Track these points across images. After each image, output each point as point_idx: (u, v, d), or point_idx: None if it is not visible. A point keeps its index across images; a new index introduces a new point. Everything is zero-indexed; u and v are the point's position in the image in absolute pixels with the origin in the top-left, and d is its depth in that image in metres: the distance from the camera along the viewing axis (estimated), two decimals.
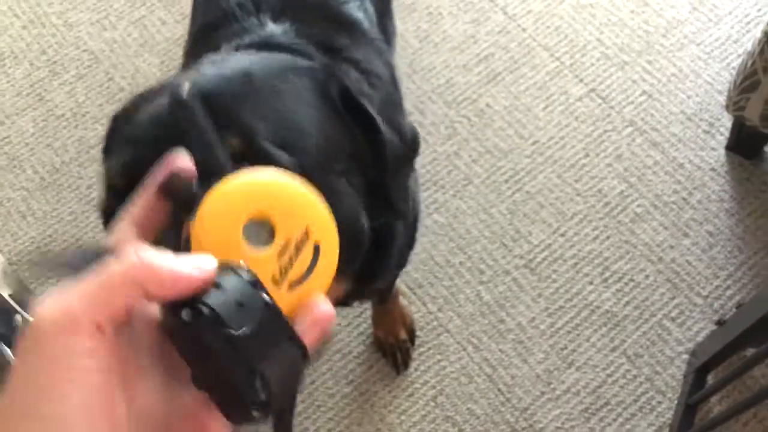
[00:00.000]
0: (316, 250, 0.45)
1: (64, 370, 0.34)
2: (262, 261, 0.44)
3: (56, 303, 0.35)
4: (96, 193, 1.50)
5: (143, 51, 1.65)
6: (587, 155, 1.48)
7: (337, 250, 0.46)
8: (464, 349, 1.33)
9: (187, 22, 1.67)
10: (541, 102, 1.53)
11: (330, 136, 0.67)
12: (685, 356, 1.30)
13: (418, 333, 1.34)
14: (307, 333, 0.42)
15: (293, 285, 0.44)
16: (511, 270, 1.39)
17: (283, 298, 0.44)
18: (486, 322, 1.35)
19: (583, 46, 1.59)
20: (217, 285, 0.39)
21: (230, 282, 0.40)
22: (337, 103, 0.68)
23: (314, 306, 0.43)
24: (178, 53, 1.64)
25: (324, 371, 1.32)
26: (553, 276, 1.38)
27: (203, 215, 0.44)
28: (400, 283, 1.36)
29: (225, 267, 0.41)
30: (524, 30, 1.61)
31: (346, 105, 0.69)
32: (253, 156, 0.58)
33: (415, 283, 1.38)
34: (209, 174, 0.45)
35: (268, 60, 0.71)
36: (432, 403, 1.29)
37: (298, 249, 0.45)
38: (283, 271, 0.44)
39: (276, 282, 0.44)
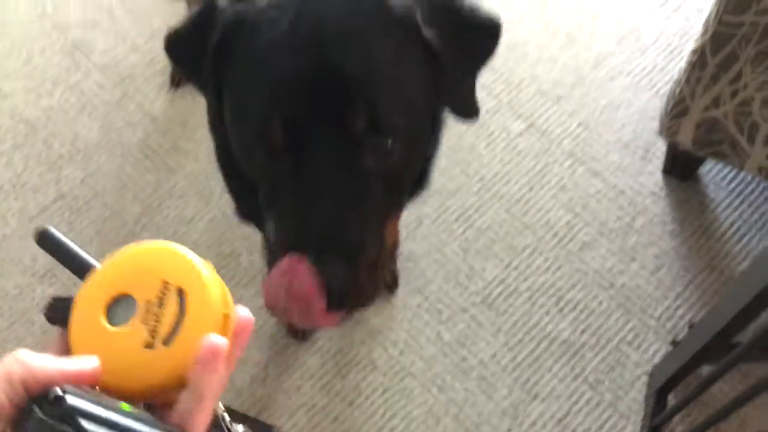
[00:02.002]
0: (181, 295, 0.46)
1: None
2: (128, 334, 0.45)
3: None
4: (40, 264, 1.46)
5: (82, 116, 1.63)
6: (532, 188, 1.51)
7: (209, 285, 0.47)
8: (429, 391, 1.32)
9: (125, 84, 1.66)
10: (483, 140, 1.57)
11: (424, 76, 0.74)
12: (645, 378, 1.32)
13: (381, 379, 1.33)
14: (203, 371, 0.43)
15: (169, 338, 0.45)
16: (469, 307, 1.40)
17: (162, 358, 0.45)
18: (448, 361, 1.35)
19: (519, 83, 1.64)
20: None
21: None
22: (420, 30, 0.73)
23: (201, 345, 0.44)
24: (118, 116, 1.63)
25: (289, 428, 1.30)
26: (510, 310, 1.39)
27: (71, 319, 0.47)
28: None
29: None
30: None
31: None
32: (376, 127, 0.69)
33: (374, 329, 1.38)
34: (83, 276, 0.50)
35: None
36: None
37: (161, 304, 0.46)
38: (153, 332, 0.45)
39: (150, 345, 0.45)
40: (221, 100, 0.77)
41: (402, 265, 1.43)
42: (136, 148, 1.59)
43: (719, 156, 1.31)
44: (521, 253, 1.45)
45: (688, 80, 1.23)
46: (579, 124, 1.58)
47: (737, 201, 1.47)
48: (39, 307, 1.42)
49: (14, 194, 1.54)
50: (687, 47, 1.56)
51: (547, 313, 1.39)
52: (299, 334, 1.37)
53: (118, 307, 0.46)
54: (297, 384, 1.34)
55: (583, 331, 1.37)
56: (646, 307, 1.39)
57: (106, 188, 1.54)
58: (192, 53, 0.78)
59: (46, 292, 1.43)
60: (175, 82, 1.65)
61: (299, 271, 0.66)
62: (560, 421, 1.30)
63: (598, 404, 1.31)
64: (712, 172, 1.51)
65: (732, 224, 1.45)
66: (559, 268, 1.43)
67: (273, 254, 0.72)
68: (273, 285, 0.69)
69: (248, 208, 1.06)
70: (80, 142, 1.60)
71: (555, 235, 1.46)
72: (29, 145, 1.60)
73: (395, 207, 0.77)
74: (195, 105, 1.64)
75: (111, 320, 0.46)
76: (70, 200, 1.53)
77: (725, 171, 1.51)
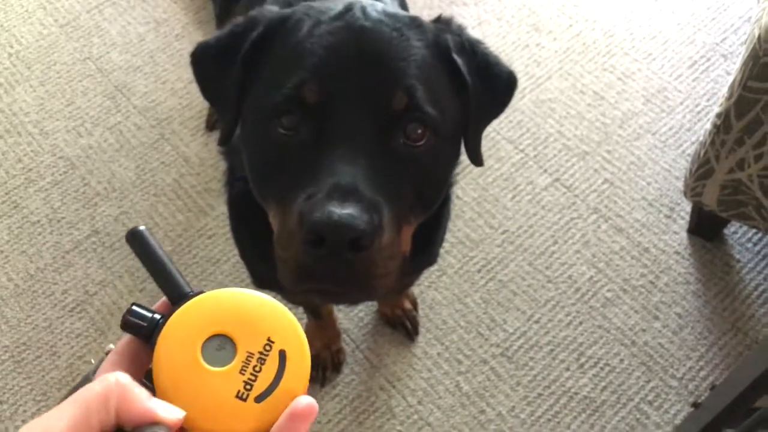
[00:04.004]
0: (282, 357, 0.46)
1: None
2: (223, 378, 0.45)
3: (42, 426, 0.38)
4: (71, 297, 1.50)
5: (119, 156, 1.69)
6: (556, 242, 1.52)
7: (308, 352, 0.47)
8: None
9: (162, 126, 1.72)
10: (508, 192, 1.59)
11: (450, 97, 0.77)
12: None
13: (399, 428, 1.33)
14: (289, 427, 0.44)
15: (261, 397, 0.45)
16: (489, 359, 1.40)
17: (250, 412, 0.45)
18: (467, 413, 1.35)
19: (545, 138, 1.67)
20: None
21: None
22: (450, 60, 0.77)
23: (293, 407, 0.44)
24: (153, 157, 1.68)
25: None
26: (530, 363, 1.39)
27: (161, 342, 0.46)
28: None
29: None
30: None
31: (450, 59, 0.78)
32: (412, 110, 0.70)
33: (393, 377, 1.38)
34: (177, 300, 0.48)
35: (397, 14, 0.78)
36: None
37: (262, 360, 0.46)
38: (248, 386, 0.45)
39: (242, 397, 0.45)
40: (239, 111, 0.79)
41: (423, 313, 1.44)
42: (169, 189, 1.64)
43: (744, 218, 1.32)
44: (543, 306, 1.45)
45: (713, 143, 1.24)
46: (604, 181, 1.60)
47: (762, 263, 1.47)
48: (65, 341, 1.45)
49: (50, 228, 1.59)
50: (714, 109, 1.58)
51: (568, 368, 1.39)
52: (320, 379, 1.38)
53: (213, 346, 0.46)
54: (314, 429, 1.34)
55: (603, 389, 1.36)
56: (668, 366, 1.38)
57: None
58: (220, 62, 0.80)
59: (74, 326, 1.47)
60: (210, 125, 1.70)
61: None
62: None
63: None
64: (737, 233, 1.51)
65: (757, 287, 1.45)
66: (581, 323, 1.43)
67: (298, 216, 0.68)
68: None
69: (266, 276, 1.05)
70: (116, 181, 1.65)
71: (578, 290, 1.47)
72: (67, 181, 1.65)
73: (413, 209, 0.75)
74: None
75: (205, 357, 0.46)
76: (103, 236, 1.58)
77: (751, 233, 1.51)
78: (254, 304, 0.48)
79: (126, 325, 0.48)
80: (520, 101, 1.72)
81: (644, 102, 1.71)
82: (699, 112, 1.68)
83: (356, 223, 0.64)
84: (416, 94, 0.71)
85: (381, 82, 0.71)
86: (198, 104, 1.75)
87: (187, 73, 1.81)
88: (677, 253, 1.50)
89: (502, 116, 1.70)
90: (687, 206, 1.53)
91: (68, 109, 1.76)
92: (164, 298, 0.49)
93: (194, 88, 1.77)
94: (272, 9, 0.82)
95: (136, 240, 0.51)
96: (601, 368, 1.38)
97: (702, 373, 1.36)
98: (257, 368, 0.46)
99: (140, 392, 0.42)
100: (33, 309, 1.49)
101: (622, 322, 1.43)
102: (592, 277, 1.48)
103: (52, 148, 1.70)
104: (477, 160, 0.85)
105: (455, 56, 0.78)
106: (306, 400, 0.45)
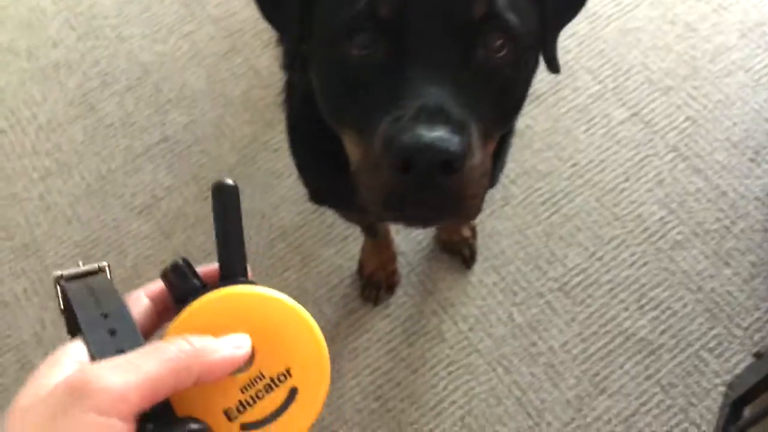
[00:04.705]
0: (291, 395, 0.41)
1: None
2: (221, 386, 0.41)
3: (117, 382, 0.36)
4: (140, 200, 1.54)
5: (191, 64, 1.70)
6: (627, 180, 1.46)
7: (321, 400, 0.42)
8: (494, 371, 1.31)
9: (234, 37, 1.71)
10: (582, 124, 1.52)
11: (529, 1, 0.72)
12: (722, 388, 1.26)
13: (447, 352, 1.33)
14: None
15: (248, 426, 0.41)
16: (545, 293, 1.37)
17: None
18: (517, 344, 1.33)
19: (627, 69, 1.58)
20: None
21: None
22: None
23: None
24: (224, 67, 1.68)
25: (352, 386, 1.32)
26: (588, 301, 1.36)
27: (186, 317, 0.43)
28: None
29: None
30: (568, 52, 1.60)
31: None
32: (491, 17, 0.66)
33: (447, 302, 1.37)
34: (227, 277, 0.45)
35: None
36: (459, 423, 1.28)
37: (270, 388, 0.41)
38: (241, 407, 0.41)
39: (228, 415, 0.41)
40: (303, 29, 0.74)
41: (482, 241, 1.42)
42: (237, 100, 1.64)
43: None
44: (607, 244, 1.40)
45: None
46: (687, 118, 1.51)
47: None
48: (131, 242, 1.50)
49: (123, 132, 1.63)
50: None
51: (627, 308, 1.34)
52: (373, 298, 1.39)
53: None
54: (365, 345, 1.36)
55: (662, 332, 1.32)
56: (734, 315, 1.32)
57: (206, 135, 1.60)
58: None
59: (141, 228, 1.51)
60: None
61: None
62: (626, 419, 1.26)
63: (668, 408, 1.26)
64: None
65: None
66: (645, 264, 1.38)
67: (371, 155, 0.67)
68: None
69: (323, 193, 1.05)
70: (187, 89, 1.66)
71: (645, 230, 1.41)
72: (141, 87, 1.68)
73: (495, 123, 0.72)
74: None
75: None
76: (172, 143, 1.60)
77: None
78: (293, 322, 0.43)
79: (165, 278, 0.45)
80: (604, 29, 1.63)
81: (740, 36, 1.59)
82: None
83: (447, 145, 0.61)
84: (497, 5, 0.65)
85: None
86: None
87: None
88: (757, 199, 1.42)
89: (583, 44, 1.62)
90: None
91: (145, 15, 1.77)
92: (214, 267, 0.46)
93: None
94: None
95: (222, 195, 0.45)
96: (662, 311, 1.33)
97: None
98: (261, 394, 0.41)
99: (215, 353, 0.40)
100: (103, 209, 1.55)
101: (690, 266, 1.37)
102: (662, 217, 1.42)
103: (128, 53, 1.73)
104: (554, 66, 0.80)
105: None
106: None
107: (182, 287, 0.44)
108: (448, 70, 0.65)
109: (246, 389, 0.41)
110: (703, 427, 1.24)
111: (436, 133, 0.61)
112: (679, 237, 1.40)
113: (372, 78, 0.67)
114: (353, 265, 1.43)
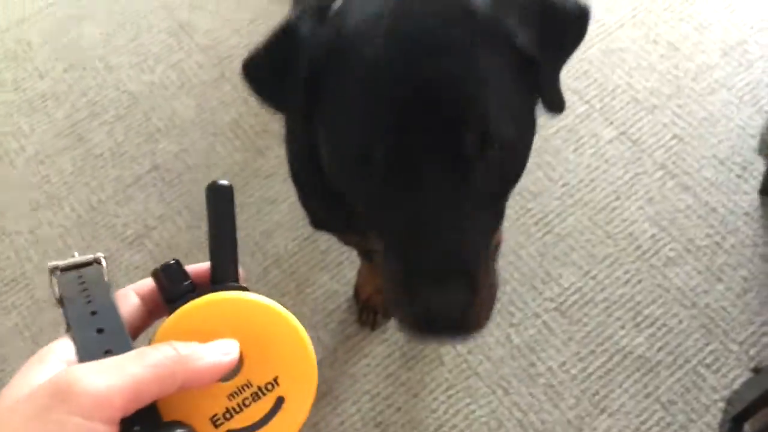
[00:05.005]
0: (277, 404, 0.41)
1: None
2: (209, 393, 0.41)
3: (101, 385, 0.35)
4: (131, 230, 1.53)
5: (180, 93, 1.70)
6: (618, 198, 1.48)
7: (307, 408, 0.42)
8: (494, 393, 1.31)
9: (223, 65, 1.72)
10: (571, 144, 1.54)
11: (520, 86, 0.71)
12: (721, 404, 1.27)
13: (446, 375, 1.33)
14: None
15: None
16: (542, 313, 1.38)
17: None
18: (516, 365, 1.34)
19: (613, 89, 1.60)
20: None
21: None
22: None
23: None
24: (213, 95, 1.69)
25: (352, 412, 1.32)
26: (584, 320, 1.37)
27: (176, 320, 0.42)
28: None
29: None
30: None
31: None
32: (487, 142, 0.66)
33: None
34: (218, 281, 0.45)
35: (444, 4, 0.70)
36: None
37: (257, 396, 0.41)
38: (228, 414, 0.41)
39: (215, 422, 0.41)
40: (309, 122, 0.74)
41: None
42: (227, 128, 1.64)
43: None
44: (601, 262, 1.41)
45: None
46: (673, 136, 1.53)
47: None
48: (123, 272, 1.49)
49: (112, 162, 1.62)
50: None
51: (623, 326, 1.35)
52: (370, 323, 1.38)
53: None
54: (363, 371, 1.35)
55: (659, 349, 1.33)
56: (729, 330, 1.33)
57: (197, 164, 1.60)
58: (271, 78, 0.76)
59: (133, 258, 1.50)
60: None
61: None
62: None
63: (668, 425, 1.26)
64: None
65: None
66: (640, 282, 1.39)
67: (392, 283, 0.70)
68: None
69: (323, 219, 1.06)
70: (177, 118, 1.66)
71: (638, 247, 1.42)
72: (130, 116, 1.67)
73: (501, 215, 0.76)
74: None
75: None
76: (163, 172, 1.60)
77: None
78: (283, 330, 0.43)
79: (156, 278, 0.45)
80: (588, 50, 1.66)
81: (721, 55, 1.62)
82: None
83: (458, 309, 0.67)
84: (489, 123, 0.66)
85: (449, 119, 0.65)
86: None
87: (250, 13, 1.80)
88: (746, 214, 1.44)
89: (567, 66, 1.64)
90: (760, 165, 1.46)
91: (132, 45, 1.77)
92: (206, 267, 0.45)
93: (256, 27, 1.77)
94: (307, 26, 0.72)
95: (215, 196, 0.45)
96: (658, 328, 1.34)
97: (765, 339, 1.31)
98: (248, 402, 0.41)
99: (200, 360, 0.39)
100: (94, 239, 1.53)
101: (684, 282, 1.38)
102: (654, 235, 1.43)
103: (116, 83, 1.72)
104: (557, 106, 0.78)
105: (519, 38, 0.70)
106: None
107: (172, 289, 0.44)
108: (455, 199, 0.67)
109: (233, 396, 0.41)
110: None
111: (446, 300, 0.66)
112: (671, 254, 1.41)
113: (377, 193, 0.69)
114: (349, 291, 1.43)
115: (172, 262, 0.45)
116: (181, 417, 0.40)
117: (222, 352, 0.40)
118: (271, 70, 0.76)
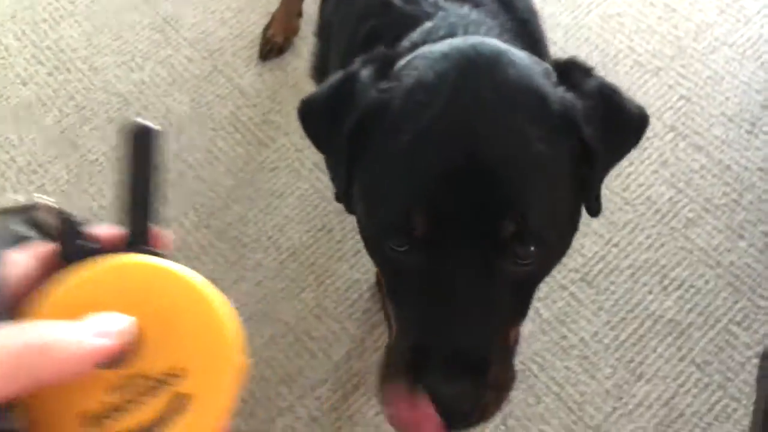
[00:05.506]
0: (180, 402, 0.33)
1: None
2: (81, 384, 0.32)
3: None
4: None
5: (172, 90, 1.64)
6: (632, 163, 1.46)
7: (221, 414, 0.34)
8: (529, 369, 1.30)
9: (214, 57, 1.66)
10: None
11: (569, 183, 0.67)
12: (755, 360, 1.27)
13: None
14: None
15: None
16: (568, 284, 1.36)
17: None
18: (548, 339, 1.32)
19: (615, 54, 1.59)
20: None
21: None
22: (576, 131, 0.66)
23: None
24: (208, 89, 1.63)
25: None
26: (611, 288, 1.35)
27: (55, 288, 0.35)
28: None
29: None
30: (555, 43, 1.60)
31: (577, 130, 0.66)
32: (523, 235, 0.62)
33: None
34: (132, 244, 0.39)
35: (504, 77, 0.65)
36: (502, 427, 1.26)
37: (151, 393, 0.33)
38: (106, 413, 0.33)
39: (89, 422, 0.32)
40: (352, 177, 0.72)
41: None
42: (226, 122, 1.59)
43: None
44: (622, 229, 1.40)
45: None
46: (680, 97, 1.52)
47: None
48: None
49: (109, 166, 1.56)
50: None
51: (651, 291, 1.35)
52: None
53: None
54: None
55: (689, 311, 1.32)
56: (756, 286, 1.33)
57: (198, 161, 1.54)
58: (321, 121, 0.74)
59: None
60: (264, 54, 1.64)
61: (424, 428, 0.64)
62: (667, 402, 1.26)
63: (706, 386, 1.26)
64: None
65: None
66: (662, 245, 1.38)
67: (396, 353, 0.67)
68: (396, 421, 0.67)
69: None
70: (172, 115, 1.60)
71: (657, 211, 1.41)
72: (122, 118, 1.61)
73: (522, 313, 0.71)
74: (284, 77, 1.63)
75: None
76: (164, 173, 1.54)
77: None
78: (198, 309, 0.34)
79: (59, 233, 0.37)
80: (586, 17, 1.64)
81: (719, 12, 1.62)
82: None
83: (464, 405, 0.64)
84: (529, 220, 0.62)
85: (491, 204, 0.62)
86: (250, 33, 1.69)
87: (236, 2, 1.74)
88: (760, 169, 1.44)
89: (568, 34, 1.63)
90: None
91: (116, 44, 1.71)
92: (119, 228, 0.39)
93: (244, 17, 1.72)
94: (367, 76, 0.69)
95: (139, 138, 0.38)
96: (686, 290, 1.34)
97: None
98: (142, 398, 0.33)
99: (69, 346, 0.31)
100: None
101: (706, 242, 1.38)
102: (671, 197, 1.42)
103: (104, 85, 1.66)
104: (596, 208, 0.75)
105: (586, 132, 0.66)
106: None
107: (70, 248, 0.37)
108: (479, 284, 0.64)
109: (118, 390, 0.33)
110: (744, 401, 1.24)
111: (454, 391, 0.63)
112: (690, 215, 1.40)
113: (406, 273, 0.67)
114: (370, 278, 1.39)
115: (77, 219, 0.38)
116: (44, 413, 0.33)
117: (97, 332, 0.31)
118: (322, 114, 0.74)
